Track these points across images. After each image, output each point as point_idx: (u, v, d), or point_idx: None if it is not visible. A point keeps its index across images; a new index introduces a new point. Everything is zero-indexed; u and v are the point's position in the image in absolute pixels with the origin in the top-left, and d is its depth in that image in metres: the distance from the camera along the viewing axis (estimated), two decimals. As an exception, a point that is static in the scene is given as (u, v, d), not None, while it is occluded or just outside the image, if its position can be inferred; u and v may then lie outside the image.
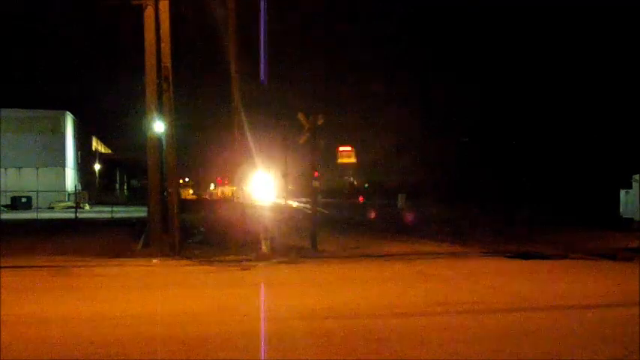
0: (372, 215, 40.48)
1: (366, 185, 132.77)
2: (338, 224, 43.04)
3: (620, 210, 37.05)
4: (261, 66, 27.60)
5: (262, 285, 16.91)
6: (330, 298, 15.14)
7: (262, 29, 26.79)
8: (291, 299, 15.03)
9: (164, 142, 25.34)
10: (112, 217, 51.86)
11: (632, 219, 35.68)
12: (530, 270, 20.40)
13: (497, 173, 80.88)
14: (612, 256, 23.64)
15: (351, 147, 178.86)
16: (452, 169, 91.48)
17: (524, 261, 22.50)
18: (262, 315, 12.85)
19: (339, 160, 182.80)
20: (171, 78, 24.75)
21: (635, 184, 35.84)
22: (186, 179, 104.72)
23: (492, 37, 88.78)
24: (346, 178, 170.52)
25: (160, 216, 25.06)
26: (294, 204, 69.04)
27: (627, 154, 55.42)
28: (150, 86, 24.89)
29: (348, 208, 71.43)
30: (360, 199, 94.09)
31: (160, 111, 24.98)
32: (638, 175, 35.96)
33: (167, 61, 24.70)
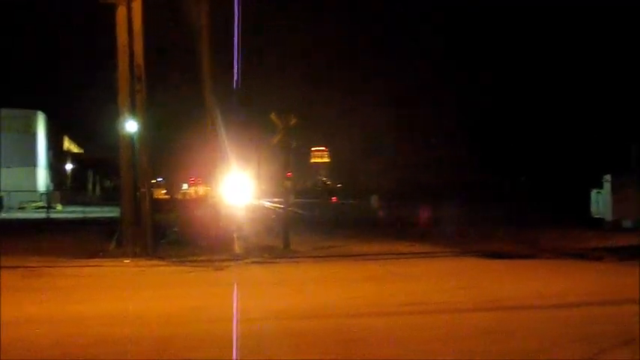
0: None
1: (339, 185, 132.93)
2: (311, 224, 43.01)
3: (592, 210, 37.29)
4: (235, 68, 27.58)
5: (235, 285, 16.88)
6: (303, 298, 15.16)
7: (236, 31, 26.75)
8: (264, 299, 15.03)
9: (136, 142, 25.22)
10: (85, 217, 51.48)
11: (603, 219, 35.93)
12: (502, 270, 20.52)
13: (469, 173, 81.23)
14: (583, 255, 23.81)
15: (325, 147, 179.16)
16: (425, 170, 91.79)
17: (496, 260, 22.60)
18: (235, 315, 12.83)
19: (313, 160, 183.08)
20: (144, 78, 24.65)
21: (606, 185, 36.10)
22: (159, 179, 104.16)
23: (464, 37, 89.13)
24: (319, 178, 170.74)
25: (132, 216, 24.93)
26: (268, 204, 68.94)
27: (598, 155, 55.86)
28: (122, 86, 24.76)
29: (321, 207, 71.43)
30: (333, 199, 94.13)
31: (133, 111, 24.87)
32: (609, 175, 36.22)
33: (140, 60, 24.59)
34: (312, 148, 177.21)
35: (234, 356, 10.06)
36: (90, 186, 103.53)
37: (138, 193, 25.48)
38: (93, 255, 23.73)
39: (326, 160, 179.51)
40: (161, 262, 22.29)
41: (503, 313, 13.27)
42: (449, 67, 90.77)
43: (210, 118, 27.37)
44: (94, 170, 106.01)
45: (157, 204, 39.95)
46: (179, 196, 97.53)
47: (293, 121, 26.59)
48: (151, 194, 27.14)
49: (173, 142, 66.21)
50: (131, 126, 24.94)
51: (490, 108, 78.90)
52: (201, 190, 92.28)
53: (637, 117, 57.29)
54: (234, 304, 14.07)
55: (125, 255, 23.45)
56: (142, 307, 13.86)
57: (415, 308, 13.78)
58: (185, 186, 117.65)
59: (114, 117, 25.65)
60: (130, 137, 25.11)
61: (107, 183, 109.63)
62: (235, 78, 28.62)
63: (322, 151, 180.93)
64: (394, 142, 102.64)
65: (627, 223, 35.34)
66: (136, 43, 24.53)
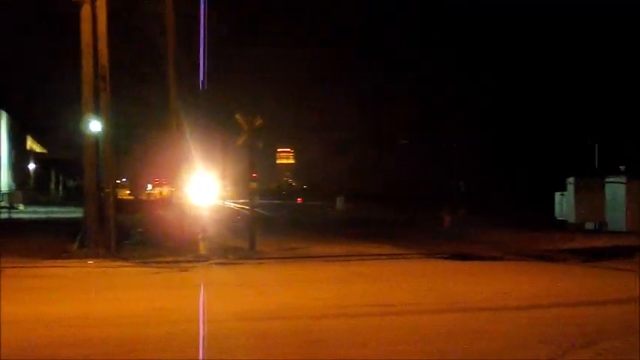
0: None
1: (305, 186, 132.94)
2: (276, 225, 42.96)
3: (556, 212, 37.60)
4: (201, 69, 27.51)
5: (200, 286, 16.80)
6: (268, 299, 15.13)
7: (202, 33, 26.69)
8: (229, 300, 14.98)
9: (101, 142, 25.06)
10: (48, 218, 50.99)
11: (566, 221, 36.25)
12: (468, 271, 20.61)
13: (436, 175, 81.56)
14: (547, 257, 24.00)
15: (290, 148, 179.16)
16: (391, 171, 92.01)
17: (461, 262, 22.70)
18: (200, 316, 12.77)
19: (278, 161, 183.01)
20: (108, 77, 24.50)
21: (569, 187, 36.43)
22: (123, 179, 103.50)
23: (428, 39, 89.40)
24: (285, 179, 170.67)
25: (96, 216, 24.77)
26: (233, 205, 68.76)
27: (562, 158, 56.29)
28: (86, 85, 24.60)
29: (287, 208, 71.40)
30: (299, 200, 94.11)
31: (97, 110, 24.71)
32: (572, 178, 36.54)
33: (104, 60, 24.45)
34: (278, 149, 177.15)
35: (200, 357, 10.01)
36: (53, 186, 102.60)
37: (102, 194, 25.33)
38: (56, 256, 23.50)
39: (291, 161, 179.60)
40: (125, 263, 22.15)
41: (468, 315, 13.32)
42: (412, 67, 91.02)
43: (175, 118, 27.27)
44: (58, 170, 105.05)
45: (121, 205, 39.74)
46: (143, 197, 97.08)
47: (258, 122, 26.55)
48: (115, 195, 26.98)
49: (138, 142, 65.84)
50: (95, 126, 24.78)
51: (462, 111, 79.23)
52: (165, 190, 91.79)
53: (600, 118, 57.87)
54: (200, 306, 14.01)
55: (89, 256, 23.26)
56: (106, 309, 13.75)
57: (380, 309, 13.79)
58: (149, 186, 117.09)
59: (78, 117, 25.47)
60: (94, 137, 24.95)
61: (71, 183, 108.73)
62: (201, 79, 28.55)
63: (288, 152, 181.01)
64: (360, 143, 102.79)
65: (590, 225, 35.70)
66: (100, 43, 24.38)
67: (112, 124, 25.16)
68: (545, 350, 10.22)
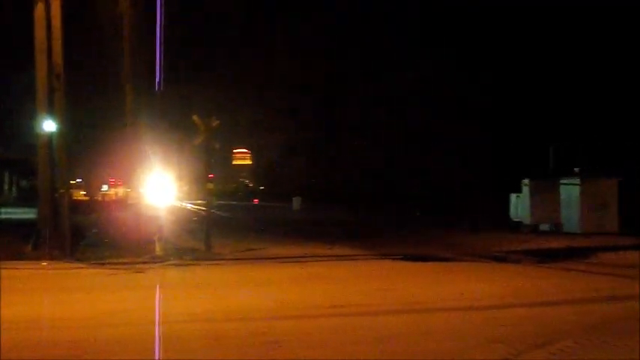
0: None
1: (261, 187, 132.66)
2: (233, 226, 42.84)
3: (511, 213, 37.87)
4: (157, 70, 27.34)
5: (156, 287, 16.69)
6: (224, 301, 15.06)
7: (158, 33, 26.52)
8: (185, 302, 14.90)
9: (55, 142, 24.82)
10: (0, 219, 50.43)
11: (522, 222, 36.53)
12: (423, 272, 20.70)
13: (392, 176, 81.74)
14: (502, 258, 24.17)
15: (247, 149, 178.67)
16: (347, 172, 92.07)
17: (417, 263, 22.78)
18: (156, 318, 12.68)
19: (235, 162, 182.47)
20: (62, 76, 24.27)
21: (525, 188, 36.71)
22: (78, 180, 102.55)
23: (383, 40, 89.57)
24: (241, 180, 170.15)
25: (50, 217, 24.53)
26: (190, 206, 68.50)
27: (517, 159, 56.65)
28: (41, 84, 24.36)
29: (243, 209, 71.27)
30: (255, 201, 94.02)
31: (51, 110, 24.47)
32: (527, 179, 36.83)
33: (58, 59, 24.21)
34: (235, 150, 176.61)
35: (157, 359, 9.94)
36: (6, 186, 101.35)
37: (56, 194, 25.08)
38: (9, 257, 23.14)
39: (248, 162, 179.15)
40: (80, 265, 21.93)
41: (423, 315, 13.37)
42: (371, 67, 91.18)
43: (131, 119, 27.09)
44: (11, 170, 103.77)
45: (76, 205, 39.38)
46: (99, 198, 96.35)
47: (215, 123, 26.48)
48: (70, 195, 26.74)
49: (93, 142, 65.31)
50: (49, 125, 24.53)
51: (417, 111, 79.47)
52: (121, 191, 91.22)
53: (555, 118, 58.34)
54: (157, 307, 13.92)
55: (43, 257, 22.99)
56: (60, 311, 13.60)
57: (336, 310, 13.80)
58: (105, 187, 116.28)
59: (32, 116, 25.20)
60: (49, 137, 24.71)
61: (24, 183, 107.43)
62: (157, 80, 28.36)
63: (244, 153, 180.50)
64: (317, 144, 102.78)
65: (545, 227, 36.01)
66: (55, 42, 24.14)
67: (66, 124, 24.93)
68: (500, 350, 10.28)
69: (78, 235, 27.87)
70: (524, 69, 64.22)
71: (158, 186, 30.73)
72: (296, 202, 73.18)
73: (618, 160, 45.52)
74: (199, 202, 62.48)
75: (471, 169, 67.69)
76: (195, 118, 26.43)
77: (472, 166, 67.71)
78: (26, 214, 46.46)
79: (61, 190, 24.95)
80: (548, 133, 49.40)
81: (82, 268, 21.40)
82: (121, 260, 22.65)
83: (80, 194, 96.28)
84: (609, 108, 57.69)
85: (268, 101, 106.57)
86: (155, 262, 22.40)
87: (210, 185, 28.08)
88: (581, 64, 60.63)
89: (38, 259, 22.81)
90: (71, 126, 26.42)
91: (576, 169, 37.06)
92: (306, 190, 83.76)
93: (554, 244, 28.74)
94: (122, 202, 60.34)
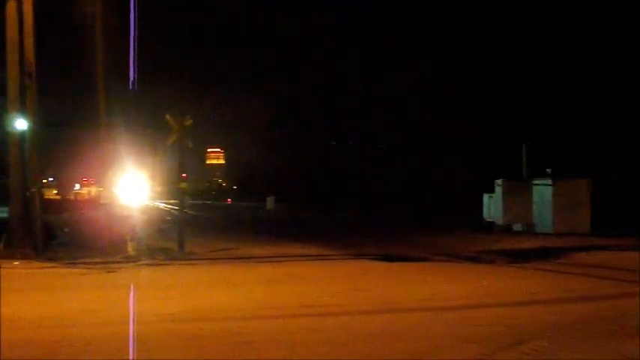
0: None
1: (235, 187, 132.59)
2: (206, 226, 42.77)
3: (484, 214, 38.00)
4: (131, 69, 27.18)
5: (128, 287, 16.59)
6: (197, 301, 15.01)
7: (132, 31, 26.37)
8: (158, 301, 14.82)
9: (27, 141, 24.64)
10: (-29, 218, 50.02)
11: (495, 222, 36.67)
12: (396, 272, 20.72)
13: (366, 176, 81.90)
14: (475, 258, 24.24)
15: (220, 148, 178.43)
16: (321, 172, 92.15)
17: (390, 263, 22.79)
18: (130, 318, 12.60)
19: (208, 162, 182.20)
20: (34, 74, 24.09)
21: (497, 189, 36.85)
22: (50, 179, 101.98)
23: (348, 39, 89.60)
24: (215, 179, 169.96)
25: (22, 216, 24.33)
26: (163, 205, 68.29)
27: (491, 159, 56.87)
28: (12, 82, 24.16)
29: (217, 209, 71.16)
30: (228, 200, 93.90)
31: (23, 108, 24.28)
32: (500, 180, 36.97)
33: (30, 56, 24.03)
34: (208, 150, 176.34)
35: (130, 359, 9.88)
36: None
37: (28, 193, 24.89)
38: (-20, 257, 23.01)
39: (222, 161, 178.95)
40: (52, 264, 21.78)
41: (395, 315, 13.37)
42: (337, 67, 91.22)
43: (104, 118, 26.91)
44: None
45: (48, 204, 39.11)
46: (71, 197, 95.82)
47: (188, 122, 26.40)
48: (42, 194, 26.56)
49: (66, 141, 64.94)
50: (21, 124, 24.35)
51: (392, 111, 79.60)
52: (94, 190, 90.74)
53: (529, 117, 58.63)
54: (128, 307, 13.83)
55: (14, 257, 22.82)
56: (32, 310, 13.50)
57: (308, 310, 13.78)
58: (77, 186, 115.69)
59: (3, 114, 25.00)
60: (20, 135, 24.52)
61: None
62: (131, 79, 28.19)
63: (218, 152, 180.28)
64: (290, 144, 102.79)
65: (518, 227, 36.17)
66: (27, 39, 23.96)
67: (38, 123, 24.76)
68: (473, 350, 10.30)
69: (50, 234, 27.67)
70: (503, 69, 64.49)
71: (131, 185, 30.53)
72: (270, 202, 73.12)
73: (590, 160, 45.82)
74: (172, 201, 62.23)
75: (443, 170, 67.93)
76: (168, 117, 26.32)
77: (446, 166, 67.95)
78: (-3, 213, 46.18)
79: (33, 189, 24.77)
80: (523, 132, 49.54)
81: (54, 267, 21.25)
82: (93, 260, 22.52)
83: (52, 193, 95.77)
84: (584, 109, 58.07)
85: (243, 101, 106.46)
86: (128, 262, 22.30)
87: (184, 185, 27.97)
88: (565, 63, 61.04)
89: (9, 258, 22.62)
90: (43, 125, 26.21)
91: (548, 170, 37.24)
92: (280, 190, 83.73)
93: (527, 244, 28.86)
94: (95, 202, 59.97)
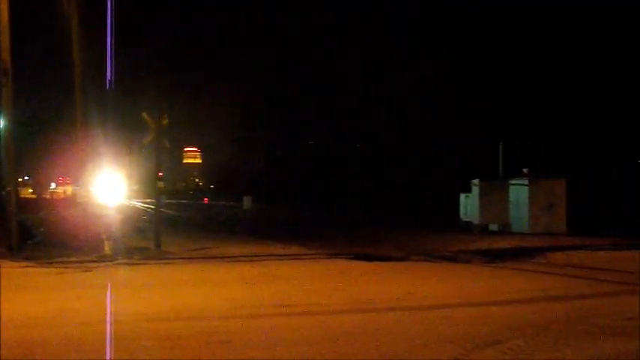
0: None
1: (212, 186, 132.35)
2: (183, 225, 42.67)
3: (461, 213, 38.09)
4: (108, 67, 27.09)
5: (105, 287, 16.52)
6: (174, 300, 14.97)
7: (109, 30, 26.28)
8: (134, 301, 14.76)
9: (2, 139, 24.49)
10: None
11: (471, 222, 36.75)
12: (373, 271, 20.73)
13: (343, 175, 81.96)
14: (452, 258, 24.30)
15: (197, 147, 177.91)
16: (298, 172, 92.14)
17: (367, 263, 22.81)
18: (107, 318, 12.55)
19: (185, 161, 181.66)
20: (10, 72, 23.95)
21: (474, 188, 36.92)
22: (26, 177, 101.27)
23: (315, 38, 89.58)
24: (192, 178, 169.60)
25: (-3, 215, 24.20)
26: (139, 204, 68.03)
27: (467, 159, 57.09)
28: (-13, 81, 24.00)
29: (193, 208, 70.94)
30: (205, 200, 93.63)
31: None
32: (477, 179, 37.07)
33: (6, 55, 23.88)
34: (185, 149, 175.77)
35: (107, 359, 9.83)
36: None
37: (3, 192, 24.75)
38: (-46, 256, 22.85)
39: (198, 160, 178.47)
40: (28, 264, 21.64)
41: (374, 315, 13.39)
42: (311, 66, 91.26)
43: (80, 116, 26.78)
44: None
45: (23, 203, 38.86)
46: (47, 196, 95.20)
47: (165, 121, 26.31)
48: (17, 193, 26.39)
49: (42, 140, 64.60)
50: (-4, 122, 24.23)
51: (368, 110, 79.69)
52: (70, 189, 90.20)
53: (506, 116, 58.93)
54: (105, 306, 13.77)
55: (-11, 256, 22.67)
56: (8, 310, 13.38)
57: (286, 310, 13.78)
58: (53, 185, 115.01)
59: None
60: (-4, 134, 24.39)
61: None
62: (108, 77, 28.10)
63: (195, 151, 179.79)
64: (267, 143, 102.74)
65: (494, 227, 36.28)
66: (2, 36, 23.80)
67: (14, 121, 24.61)
68: (450, 350, 10.33)
69: (26, 233, 27.54)
70: (478, 68, 64.74)
71: (108, 184, 30.43)
72: (247, 202, 72.97)
73: (567, 161, 46.11)
74: (149, 200, 62.03)
75: (420, 170, 68.05)
76: (144, 115, 26.21)
77: (421, 168, 68.07)
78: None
79: (8, 188, 24.62)
80: (500, 132, 49.75)
81: (30, 266, 21.12)
82: (69, 259, 22.41)
83: (28, 192, 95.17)
84: (562, 110, 58.46)
85: (220, 100, 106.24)
86: (104, 262, 22.20)
87: (160, 184, 27.89)
88: (547, 66, 61.45)
89: (-16, 257, 22.48)
90: (19, 122, 26.05)
91: (525, 170, 37.37)
92: (257, 190, 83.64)
93: (503, 244, 28.96)
94: (71, 201, 59.66)
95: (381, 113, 76.82)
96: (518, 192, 36.07)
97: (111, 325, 11.82)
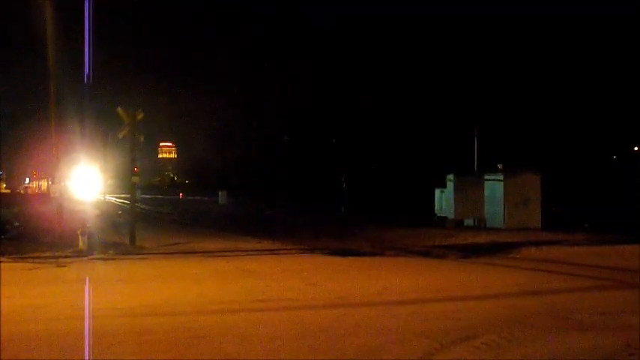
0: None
1: (187, 181, 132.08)
2: (158, 220, 42.56)
3: (436, 208, 38.22)
4: (86, 62, 26.96)
5: (79, 282, 16.45)
6: (149, 295, 14.93)
7: (87, 26, 26.15)
8: (109, 296, 14.70)
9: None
10: None
11: (446, 217, 36.90)
12: (348, 267, 20.75)
13: (318, 171, 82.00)
14: (427, 253, 24.39)
15: (172, 142, 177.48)
16: (274, 167, 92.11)
17: (342, 258, 22.83)
18: (81, 313, 12.48)
19: (160, 156, 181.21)
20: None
21: (449, 184, 37.08)
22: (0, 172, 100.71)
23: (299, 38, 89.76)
24: (167, 173, 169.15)
25: (-30, 210, 24.04)
26: (114, 199, 67.77)
27: (441, 155, 57.29)
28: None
29: (169, 203, 70.76)
30: (180, 195, 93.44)
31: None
32: (452, 175, 37.21)
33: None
34: (160, 144, 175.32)
35: (86, 356, 9.78)
36: None
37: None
38: None
39: (174, 155, 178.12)
40: (1, 259, 21.51)
41: (348, 310, 13.39)
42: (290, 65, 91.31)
43: (55, 111, 26.63)
44: None
45: (-3, 198, 38.60)
46: (21, 191, 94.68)
47: (140, 116, 26.26)
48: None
49: (15, 134, 64.23)
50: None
51: (343, 108, 79.80)
52: (45, 184, 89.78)
53: (482, 114, 59.18)
54: (80, 302, 13.70)
55: (-38, 251, 22.52)
56: (-20, 306, 13.32)
57: (262, 305, 13.78)
58: (27, 180, 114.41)
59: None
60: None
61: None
62: (86, 72, 27.97)
63: (170, 146, 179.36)
64: (244, 139, 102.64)
65: (469, 222, 36.46)
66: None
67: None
68: (423, 344, 10.36)
69: (-1, 228, 27.37)
70: (446, 65, 64.97)
71: (83, 179, 30.31)
72: (222, 197, 72.88)
73: (542, 156, 46.37)
74: (124, 195, 61.81)
75: (395, 166, 68.18)
76: (119, 110, 26.13)
77: (397, 163, 68.20)
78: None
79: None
80: (475, 128, 49.96)
81: (3, 262, 20.98)
82: (43, 254, 22.32)
83: (2, 187, 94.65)
84: (537, 106, 58.79)
85: (196, 95, 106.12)
86: (78, 257, 22.13)
87: (136, 179, 27.78)
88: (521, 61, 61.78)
89: (-42, 253, 22.33)
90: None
91: (500, 166, 37.58)
92: (232, 185, 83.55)
93: (478, 239, 29.12)
94: (45, 196, 59.41)
95: (355, 109, 76.93)
96: (493, 187, 36.26)
97: (86, 320, 11.76)
